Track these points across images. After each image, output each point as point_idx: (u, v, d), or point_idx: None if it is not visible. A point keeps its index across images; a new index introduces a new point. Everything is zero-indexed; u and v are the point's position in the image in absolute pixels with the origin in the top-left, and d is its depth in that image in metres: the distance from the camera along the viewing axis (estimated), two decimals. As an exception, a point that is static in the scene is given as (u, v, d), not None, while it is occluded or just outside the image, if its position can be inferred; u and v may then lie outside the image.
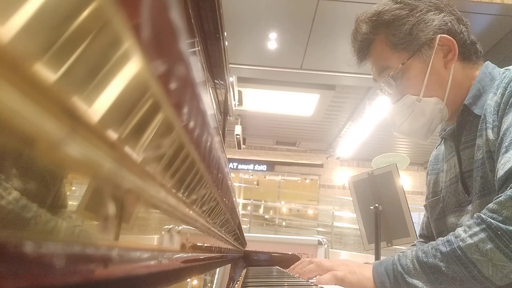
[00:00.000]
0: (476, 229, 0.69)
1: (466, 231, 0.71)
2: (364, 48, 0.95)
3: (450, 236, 0.73)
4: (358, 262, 0.88)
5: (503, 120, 0.76)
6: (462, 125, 0.89)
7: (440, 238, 0.76)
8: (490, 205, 0.69)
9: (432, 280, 0.73)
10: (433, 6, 0.89)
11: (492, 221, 0.67)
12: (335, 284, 0.82)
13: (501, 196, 0.68)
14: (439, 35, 0.87)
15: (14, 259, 0.11)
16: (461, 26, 0.90)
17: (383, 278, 0.80)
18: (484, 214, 0.69)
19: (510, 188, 0.68)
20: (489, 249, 0.67)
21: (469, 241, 0.69)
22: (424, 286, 0.74)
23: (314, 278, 0.86)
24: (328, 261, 0.86)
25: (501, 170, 0.71)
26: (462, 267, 0.69)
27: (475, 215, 0.72)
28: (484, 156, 0.79)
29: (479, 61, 0.91)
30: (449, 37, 0.87)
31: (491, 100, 0.81)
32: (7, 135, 0.10)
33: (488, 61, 0.91)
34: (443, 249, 0.72)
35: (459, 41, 0.88)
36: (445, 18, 0.88)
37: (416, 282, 0.75)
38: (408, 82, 0.89)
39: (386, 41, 0.90)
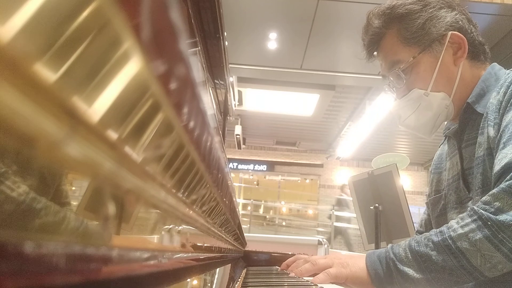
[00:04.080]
0: (468, 220, 0.71)
1: (458, 222, 0.73)
2: (374, 42, 0.97)
3: (443, 227, 0.75)
4: (353, 254, 0.88)
5: (504, 118, 0.77)
6: (465, 123, 0.90)
7: (433, 229, 0.77)
8: (484, 198, 0.71)
9: (422, 268, 0.74)
10: (446, 4, 0.91)
11: (484, 212, 0.69)
12: (330, 282, 0.82)
13: (494, 189, 0.70)
14: (450, 32, 0.89)
15: (13, 258, 0.11)
16: (471, 26, 0.92)
17: (376, 266, 0.80)
18: (477, 206, 0.71)
19: (504, 181, 0.69)
20: (478, 239, 0.68)
21: (460, 231, 0.71)
22: (415, 274, 0.74)
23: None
24: (323, 259, 0.86)
25: (497, 166, 0.73)
26: (451, 256, 0.71)
27: (469, 207, 0.73)
28: (485, 153, 0.81)
29: (487, 62, 0.93)
30: (460, 34, 0.89)
31: (493, 99, 0.83)
32: (6, 135, 0.10)
33: (495, 63, 0.93)
34: (435, 238, 0.74)
35: (469, 39, 0.90)
36: (456, 16, 0.90)
37: (407, 270, 0.76)
38: (417, 76, 0.91)
39: (398, 35, 0.92)
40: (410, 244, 0.77)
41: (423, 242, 0.75)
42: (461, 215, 0.74)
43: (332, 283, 0.83)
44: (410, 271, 0.75)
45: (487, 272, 0.69)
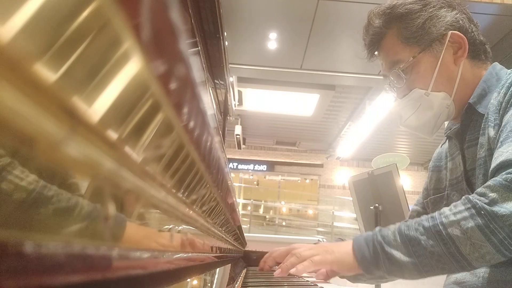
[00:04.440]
0: (461, 208, 0.70)
1: (451, 209, 0.72)
2: (375, 42, 0.97)
3: (435, 213, 0.74)
4: (339, 242, 0.86)
5: (503, 118, 0.77)
6: (467, 123, 0.90)
7: (425, 215, 0.76)
8: (479, 189, 0.70)
9: (410, 252, 0.73)
10: (446, 3, 0.91)
11: (478, 202, 0.68)
12: (314, 268, 0.81)
13: (489, 181, 0.69)
14: (451, 32, 0.89)
15: (14, 258, 0.11)
16: (472, 25, 0.92)
17: (362, 249, 0.79)
18: (471, 196, 0.71)
19: (501, 175, 0.69)
20: (470, 228, 0.67)
21: (452, 218, 0.70)
22: (402, 257, 0.73)
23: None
24: (308, 250, 0.84)
25: (493, 163, 0.73)
26: (441, 242, 0.70)
27: (463, 196, 0.73)
28: (486, 154, 0.81)
29: (488, 62, 0.93)
30: (460, 34, 0.89)
31: (494, 100, 0.83)
32: (7, 135, 0.10)
33: (496, 62, 0.93)
34: (426, 224, 0.73)
35: (469, 39, 0.90)
36: (457, 15, 0.90)
37: (394, 252, 0.74)
38: (418, 76, 0.91)
39: (398, 35, 0.92)
40: (400, 227, 0.76)
41: (413, 226, 0.74)
42: (454, 202, 0.73)
43: (315, 268, 0.81)
44: (397, 254, 0.74)
45: (474, 262, 0.68)
